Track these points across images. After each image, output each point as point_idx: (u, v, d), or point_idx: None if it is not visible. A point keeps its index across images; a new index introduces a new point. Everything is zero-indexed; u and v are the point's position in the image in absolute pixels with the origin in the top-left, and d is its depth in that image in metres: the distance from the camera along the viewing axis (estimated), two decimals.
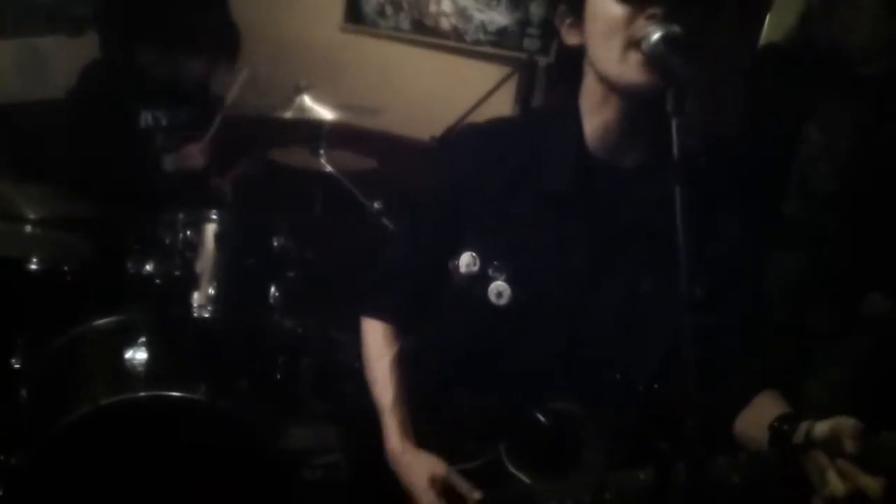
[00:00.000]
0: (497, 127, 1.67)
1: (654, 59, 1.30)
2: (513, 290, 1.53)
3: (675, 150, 1.18)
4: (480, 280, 1.55)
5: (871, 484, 1.15)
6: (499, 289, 1.54)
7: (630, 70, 1.35)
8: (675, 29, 1.29)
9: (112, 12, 3.07)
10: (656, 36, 1.29)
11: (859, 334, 2.82)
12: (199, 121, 3.10)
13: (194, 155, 2.99)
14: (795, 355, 2.87)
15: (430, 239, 1.67)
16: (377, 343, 1.73)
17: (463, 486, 1.52)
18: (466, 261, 1.57)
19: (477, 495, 1.51)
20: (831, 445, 1.19)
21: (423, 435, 1.64)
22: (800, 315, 2.93)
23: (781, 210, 3.00)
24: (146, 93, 3.04)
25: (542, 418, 1.50)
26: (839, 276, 2.87)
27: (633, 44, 1.34)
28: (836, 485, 1.17)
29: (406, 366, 1.71)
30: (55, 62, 3.44)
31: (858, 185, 2.82)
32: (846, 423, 1.19)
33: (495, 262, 1.55)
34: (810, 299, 2.94)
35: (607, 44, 1.38)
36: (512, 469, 1.50)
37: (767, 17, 3.80)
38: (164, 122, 3.06)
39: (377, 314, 1.75)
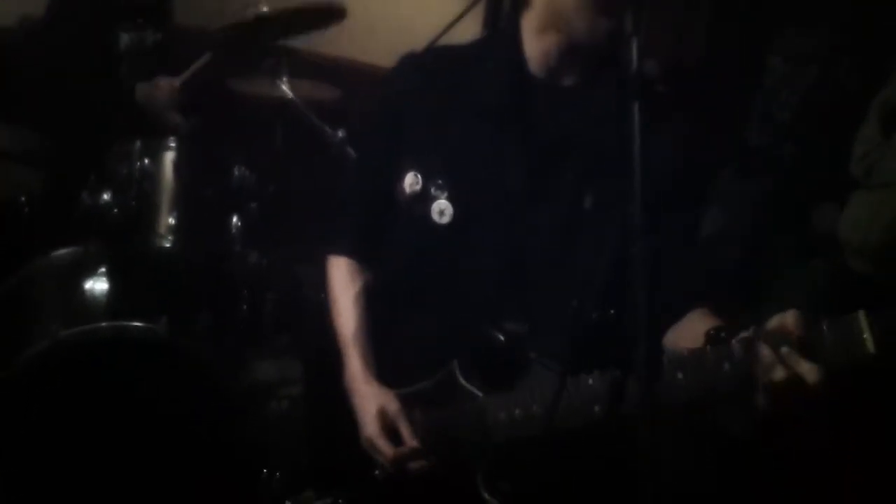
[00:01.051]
0: (436, 51, 1.73)
1: None
2: (454, 208, 1.55)
3: (633, 69, 1.16)
4: (423, 199, 1.57)
5: (810, 370, 1.16)
6: (441, 207, 1.56)
7: (594, 32, 1.41)
8: None
9: None
10: None
11: (816, 261, 2.85)
12: (165, 44, 3.02)
13: (169, 90, 2.91)
14: (749, 284, 2.90)
15: (377, 166, 1.69)
16: (341, 278, 1.74)
17: (405, 430, 1.56)
18: (410, 180, 1.59)
19: (414, 443, 1.54)
20: (776, 337, 1.20)
21: (378, 357, 1.67)
22: (756, 243, 2.96)
23: (744, 139, 3.02)
24: (114, 12, 2.97)
25: (499, 335, 1.50)
26: (797, 203, 2.90)
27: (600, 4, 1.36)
28: (777, 370, 1.18)
29: (368, 300, 1.72)
30: None
31: (818, 111, 2.84)
32: (790, 314, 1.21)
33: (437, 181, 1.57)
34: (770, 226, 2.97)
35: None
36: (464, 383, 1.52)
37: None
38: (146, 42, 3.01)
39: (339, 250, 1.77)
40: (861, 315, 1.15)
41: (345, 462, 1.69)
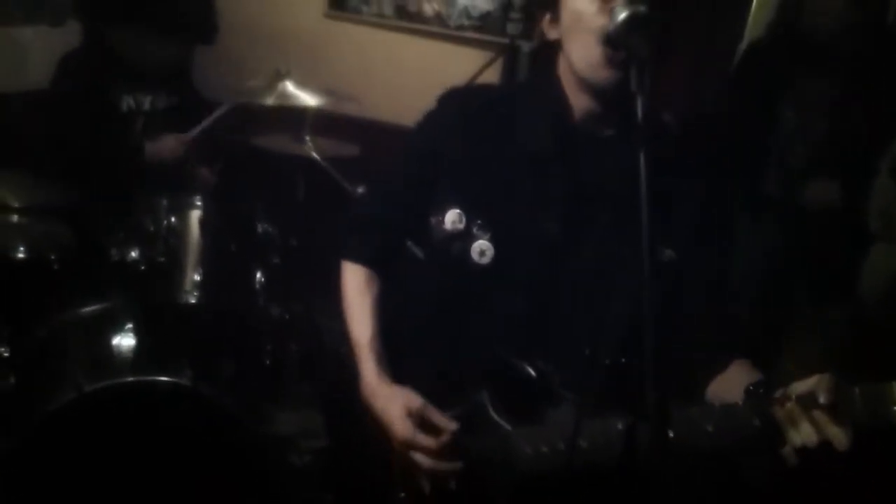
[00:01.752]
0: (483, 90, 1.79)
1: (615, 41, 1.36)
2: (496, 249, 1.57)
3: (639, 123, 1.22)
4: (465, 237, 1.59)
5: (839, 434, 1.20)
6: (482, 248, 1.58)
7: (595, 65, 1.45)
8: (640, 9, 1.34)
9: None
10: (622, 16, 1.34)
11: (833, 309, 2.86)
12: (180, 106, 3.11)
13: (173, 147, 3.00)
14: (772, 330, 2.91)
15: (408, 190, 1.71)
16: (357, 285, 1.75)
17: (438, 416, 1.55)
18: (452, 218, 1.60)
19: (453, 426, 1.54)
20: (807, 399, 1.23)
21: (405, 384, 1.65)
22: (778, 290, 2.97)
23: (760, 188, 3.05)
24: (126, 77, 3.05)
25: (530, 370, 1.53)
26: (815, 252, 2.92)
27: (602, 39, 1.40)
28: (807, 433, 1.22)
29: (384, 311, 1.73)
30: (36, 53, 3.44)
31: (830, 160, 2.87)
32: (822, 378, 1.24)
33: (479, 221, 1.59)
34: (788, 274, 2.99)
35: (581, 39, 1.47)
36: (494, 416, 1.53)
37: (753, 4, 3.85)
38: (145, 107, 3.07)
39: (355, 258, 1.77)
40: (894, 385, 1.17)
41: None
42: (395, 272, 1.76)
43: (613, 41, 1.37)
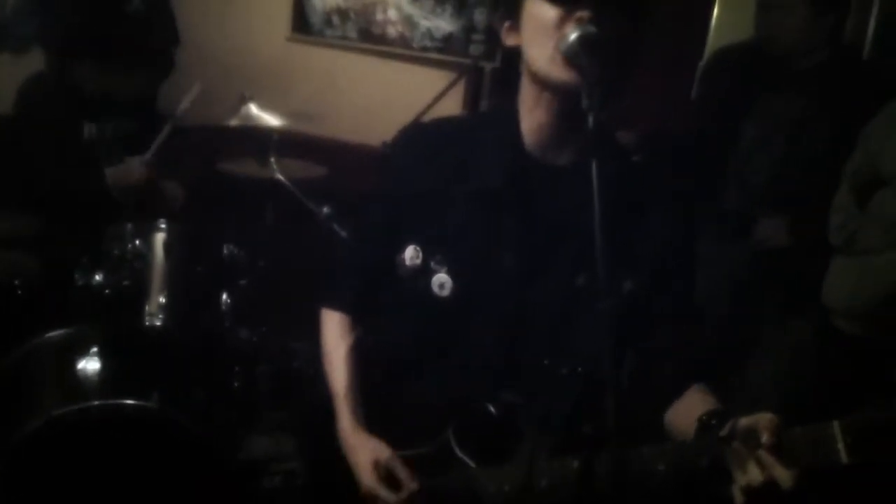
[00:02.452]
0: (438, 125, 1.75)
1: (571, 59, 1.38)
2: (454, 282, 1.59)
3: (590, 141, 1.24)
4: (424, 272, 1.61)
5: (784, 474, 1.21)
6: (441, 280, 1.59)
7: (555, 68, 1.43)
8: (591, 29, 1.37)
9: (51, 30, 3.08)
10: (573, 37, 1.37)
11: (798, 322, 2.89)
12: (144, 131, 3.10)
13: (136, 169, 2.99)
14: (734, 347, 2.94)
15: (376, 235, 1.73)
16: (334, 333, 1.78)
17: (402, 472, 1.58)
18: (411, 254, 1.62)
19: (414, 485, 1.56)
20: (751, 438, 1.25)
21: (375, 423, 1.69)
22: (739, 307, 3.00)
23: (720, 204, 3.08)
24: (87, 104, 3.04)
25: (492, 409, 1.55)
26: (774, 268, 2.95)
27: (558, 47, 1.41)
28: (753, 473, 1.23)
29: (360, 356, 1.76)
30: None
31: (789, 176, 2.91)
32: (764, 417, 1.26)
33: (437, 256, 1.60)
34: (749, 291, 3.02)
35: (540, 44, 1.46)
36: (459, 453, 1.55)
37: (713, 20, 3.92)
38: (107, 133, 3.06)
39: (333, 305, 1.80)
40: (835, 425, 1.18)
41: None
42: (373, 315, 1.78)
43: (567, 56, 1.39)
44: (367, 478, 1.61)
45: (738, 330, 2.98)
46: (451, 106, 3.75)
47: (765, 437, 1.23)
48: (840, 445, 1.17)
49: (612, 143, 1.62)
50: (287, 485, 2.97)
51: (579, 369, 1.28)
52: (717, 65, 3.50)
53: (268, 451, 3.11)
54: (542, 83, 1.49)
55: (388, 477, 1.60)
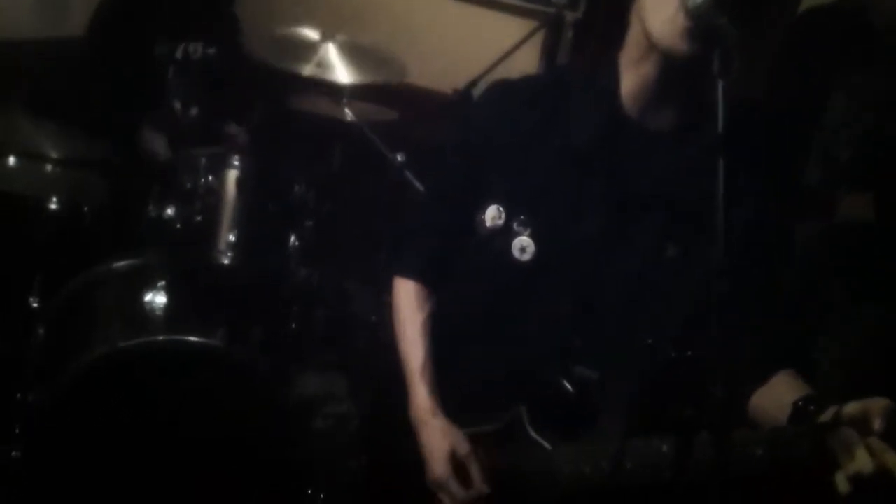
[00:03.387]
0: (526, 82, 1.67)
1: (699, 19, 1.27)
2: (537, 246, 1.52)
3: (720, 114, 1.16)
4: (505, 234, 1.54)
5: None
6: (523, 244, 1.53)
7: (674, 34, 1.33)
8: None
9: None
10: None
11: (870, 310, 2.81)
12: (215, 59, 3.06)
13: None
14: (811, 331, 2.87)
15: (456, 194, 1.66)
16: (409, 303, 1.71)
17: (476, 472, 1.53)
18: (492, 213, 1.56)
19: (486, 489, 1.51)
20: (860, 424, 1.19)
21: (444, 393, 1.64)
22: (813, 288, 2.92)
23: (803, 180, 2.98)
24: (161, 23, 2.99)
25: (566, 384, 1.49)
26: (853, 247, 2.86)
27: (684, 6, 1.30)
28: (864, 461, 1.17)
29: (435, 326, 1.70)
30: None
31: (877, 154, 2.80)
32: (876, 403, 1.20)
33: (521, 217, 1.54)
34: (825, 272, 2.94)
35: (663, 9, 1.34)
36: (532, 434, 1.50)
37: None
38: (177, 55, 3.00)
39: (409, 273, 1.73)
40: None
41: (393, 485, 1.69)
42: (448, 281, 1.71)
43: (695, 17, 1.28)
44: (440, 467, 1.54)
45: (809, 311, 2.90)
46: (529, 57, 3.67)
47: (878, 424, 1.18)
48: None
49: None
50: (340, 426, 2.98)
51: (688, 353, 1.22)
52: (807, 26, 3.35)
53: (321, 392, 3.12)
54: (654, 43, 1.39)
55: (459, 469, 1.54)
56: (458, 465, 1.54)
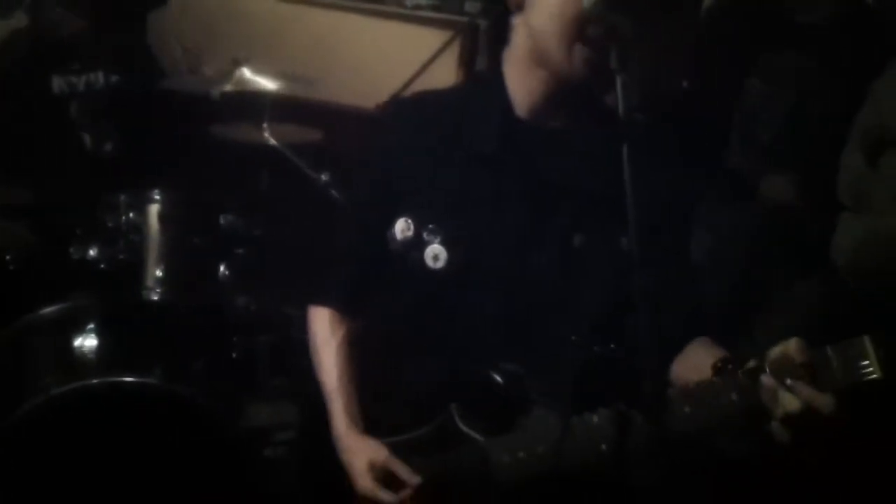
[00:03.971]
0: (427, 95, 1.74)
1: (597, 17, 1.32)
2: (448, 253, 1.55)
3: (620, 106, 1.19)
4: (416, 244, 1.57)
5: (822, 398, 1.18)
6: (434, 252, 1.55)
7: (574, 64, 1.41)
8: None
9: None
10: None
11: (809, 281, 2.86)
12: (125, 91, 3.01)
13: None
14: (742, 308, 2.91)
15: (368, 215, 1.69)
16: (322, 330, 1.72)
17: (402, 470, 1.54)
18: (401, 226, 1.59)
19: (416, 480, 1.52)
20: (782, 364, 1.22)
21: (374, 406, 1.65)
22: (746, 267, 2.97)
23: (726, 162, 3.04)
24: (60, 58, 2.93)
25: (496, 376, 1.50)
26: (781, 226, 2.92)
27: (579, 34, 1.37)
28: (790, 401, 1.19)
29: (353, 347, 1.71)
30: None
31: (796, 133, 2.87)
32: (791, 342, 1.23)
33: (430, 226, 1.56)
34: (756, 250, 2.99)
35: (552, 18, 1.41)
36: (464, 428, 1.51)
37: None
38: (79, 88, 2.94)
39: (322, 301, 1.75)
40: (866, 340, 1.17)
41: None
42: (370, 298, 1.73)
43: (591, 20, 1.34)
44: (363, 482, 1.56)
45: (745, 290, 2.95)
46: (448, 65, 3.69)
47: (796, 356, 1.20)
48: (873, 359, 1.15)
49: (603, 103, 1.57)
50: (290, 454, 2.95)
51: (612, 346, 1.24)
52: (718, 15, 3.42)
53: (269, 420, 3.09)
54: (546, 56, 1.45)
55: (386, 477, 1.55)
56: (383, 474, 1.55)
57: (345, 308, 1.73)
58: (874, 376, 1.15)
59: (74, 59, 2.94)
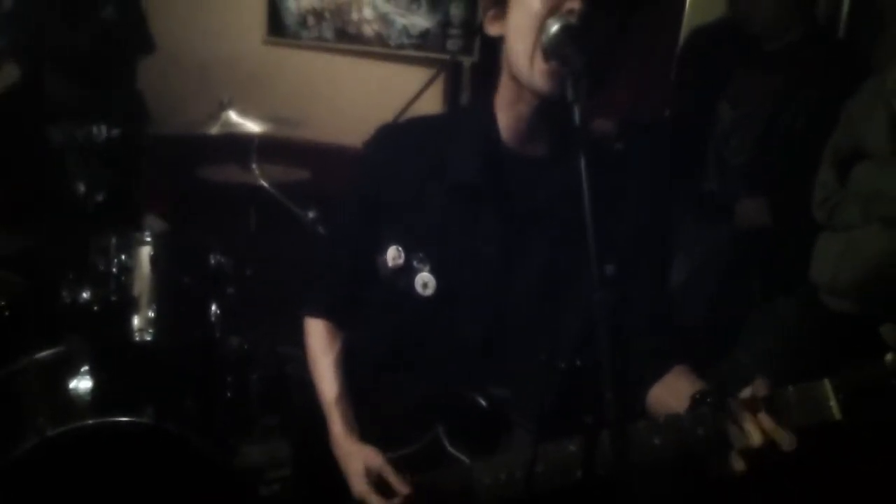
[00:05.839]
0: (413, 123, 1.76)
1: (553, 54, 1.38)
2: (437, 281, 1.59)
3: (578, 135, 1.23)
4: (406, 272, 1.61)
5: (783, 435, 1.23)
6: (424, 280, 1.60)
7: (538, 76, 1.44)
8: (572, 20, 1.36)
9: (22, 39, 3.03)
10: (555, 28, 1.36)
11: (784, 300, 2.91)
12: (121, 138, 3.06)
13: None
14: (721, 329, 2.95)
15: (354, 236, 1.73)
16: (320, 341, 1.78)
17: (394, 478, 1.57)
18: (392, 254, 1.62)
19: (406, 490, 1.56)
20: (751, 406, 1.26)
21: (364, 424, 1.69)
22: (724, 288, 3.02)
23: (701, 186, 3.09)
24: (58, 112, 3.01)
25: (482, 401, 1.55)
26: (757, 248, 2.97)
27: (541, 46, 1.40)
28: (753, 435, 1.25)
29: (347, 361, 1.76)
30: None
31: (768, 156, 2.92)
32: (758, 382, 1.28)
33: (419, 254, 1.60)
34: (733, 272, 3.04)
35: (524, 35, 1.44)
36: (451, 449, 1.55)
37: (687, 5, 3.92)
38: (78, 140, 2.99)
39: (316, 313, 1.80)
40: (826, 383, 1.22)
41: None
42: (356, 318, 1.78)
43: (549, 53, 1.39)
44: (358, 486, 1.61)
45: (724, 311, 2.99)
46: (432, 102, 3.75)
47: (760, 392, 1.26)
48: (832, 402, 1.21)
49: (589, 131, 1.62)
50: (284, 492, 2.96)
51: (577, 363, 1.28)
52: (693, 46, 3.50)
53: (263, 458, 3.09)
54: (525, 87, 1.49)
55: (380, 484, 1.59)
56: (378, 481, 1.59)
57: (337, 319, 1.79)
58: (833, 418, 1.21)
59: (73, 112, 3.02)
